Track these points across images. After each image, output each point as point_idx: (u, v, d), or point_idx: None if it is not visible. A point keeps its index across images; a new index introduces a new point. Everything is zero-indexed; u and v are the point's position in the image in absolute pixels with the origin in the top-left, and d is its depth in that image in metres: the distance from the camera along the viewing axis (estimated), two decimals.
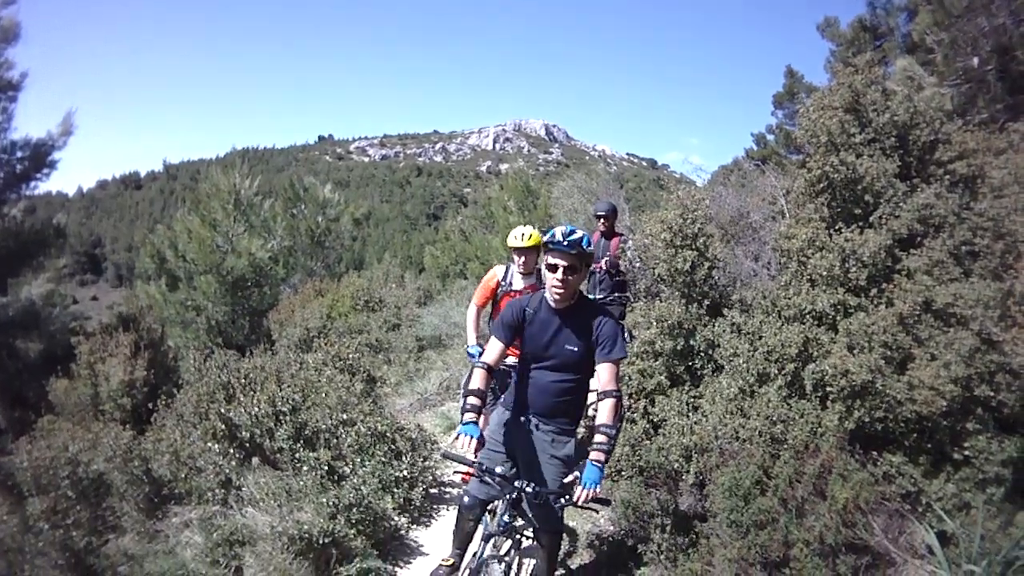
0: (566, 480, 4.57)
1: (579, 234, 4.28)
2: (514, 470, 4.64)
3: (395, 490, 7.16)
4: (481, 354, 4.63)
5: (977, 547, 4.89)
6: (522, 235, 6.74)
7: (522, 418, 4.67)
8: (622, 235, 8.65)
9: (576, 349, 4.43)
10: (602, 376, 4.36)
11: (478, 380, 4.38)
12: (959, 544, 5.05)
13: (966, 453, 5.46)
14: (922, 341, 5.61)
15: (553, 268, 4.32)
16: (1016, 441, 5.30)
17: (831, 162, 6.30)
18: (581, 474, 4.08)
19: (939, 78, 9.17)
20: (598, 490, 4.03)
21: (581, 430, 5.91)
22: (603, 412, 4.28)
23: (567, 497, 4.19)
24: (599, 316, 4.47)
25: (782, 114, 16.80)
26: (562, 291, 4.35)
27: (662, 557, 5.85)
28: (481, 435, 4.22)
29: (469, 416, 4.19)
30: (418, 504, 7.34)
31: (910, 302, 5.59)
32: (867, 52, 7.78)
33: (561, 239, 4.25)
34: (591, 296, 8.38)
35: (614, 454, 5.82)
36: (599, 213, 8.96)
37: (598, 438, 4.23)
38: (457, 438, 4.08)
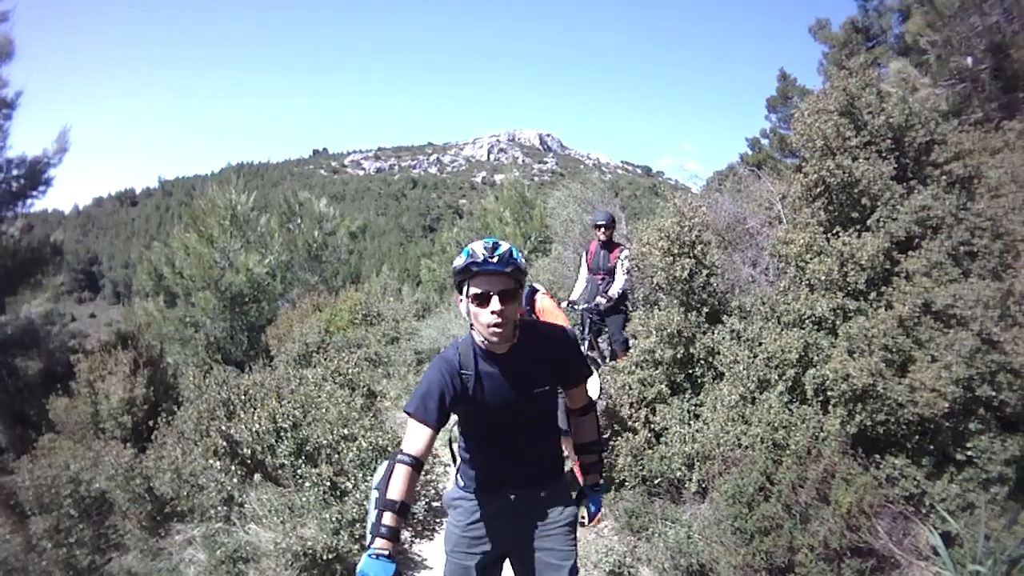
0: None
1: (505, 246, 3.37)
2: None
3: None
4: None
5: (982, 547, 5.31)
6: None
7: (501, 497, 3.74)
8: (621, 245, 8.77)
9: (543, 390, 3.59)
10: (573, 398, 3.76)
11: (400, 485, 3.29)
12: (963, 544, 5.60)
13: (969, 453, 5.97)
14: (922, 343, 6.27)
15: (483, 299, 3.32)
16: (1019, 440, 5.89)
17: (827, 166, 7.00)
18: (581, 505, 3.61)
19: (933, 79, 9.60)
20: (603, 512, 3.62)
21: None
22: (583, 429, 3.80)
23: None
24: (550, 336, 3.68)
25: (776, 118, 17.49)
26: (501, 329, 3.35)
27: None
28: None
29: (380, 546, 3.17)
30: (421, 517, 8.12)
31: (909, 304, 6.31)
32: (860, 54, 8.04)
33: (486, 255, 3.30)
34: (589, 305, 8.91)
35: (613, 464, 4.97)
36: (599, 223, 9.45)
37: (587, 458, 3.82)
38: None
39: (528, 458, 3.69)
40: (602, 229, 9.30)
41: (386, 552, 3.13)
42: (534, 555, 3.75)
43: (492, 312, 3.27)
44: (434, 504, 8.33)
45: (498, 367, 3.50)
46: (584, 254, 9.67)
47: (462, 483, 3.90)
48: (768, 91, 19.64)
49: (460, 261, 3.35)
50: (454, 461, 3.99)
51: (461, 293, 3.45)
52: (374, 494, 3.48)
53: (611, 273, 9.20)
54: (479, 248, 3.31)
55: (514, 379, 3.52)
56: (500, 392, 3.52)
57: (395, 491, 3.25)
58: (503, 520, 3.74)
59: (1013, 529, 5.39)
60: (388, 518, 3.21)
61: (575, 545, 3.79)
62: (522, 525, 3.74)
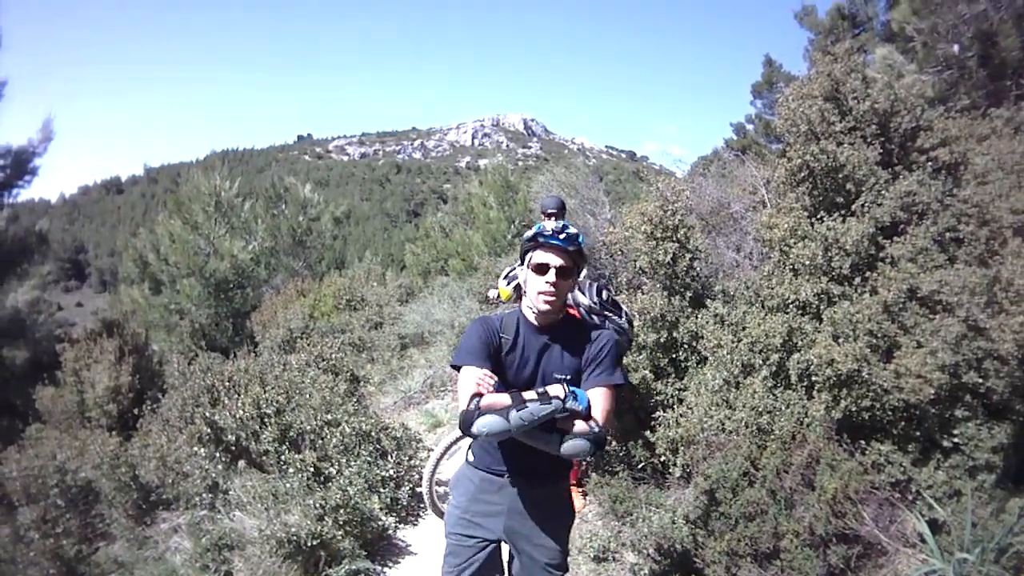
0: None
1: (574, 229, 3.63)
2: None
3: (381, 490, 7.82)
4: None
5: (969, 535, 5.23)
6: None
7: (507, 481, 3.83)
8: None
9: (566, 377, 3.59)
10: (594, 404, 3.51)
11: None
12: (951, 532, 5.46)
13: (955, 440, 5.84)
14: (908, 329, 6.14)
15: (542, 268, 3.59)
16: (1006, 427, 5.76)
17: (811, 151, 6.86)
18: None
19: (919, 66, 9.56)
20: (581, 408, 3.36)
21: None
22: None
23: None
24: (596, 331, 3.80)
25: (761, 104, 17.55)
26: (553, 298, 3.58)
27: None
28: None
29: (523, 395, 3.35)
30: (405, 503, 8.05)
31: (895, 290, 6.12)
32: (846, 41, 7.82)
33: (555, 232, 3.56)
34: None
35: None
36: (550, 210, 8.64)
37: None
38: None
39: (532, 450, 3.57)
40: (552, 216, 8.54)
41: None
42: (527, 549, 3.86)
43: (547, 282, 3.55)
44: (417, 489, 8.19)
45: (534, 341, 3.73)
46: None
47: (471, 458, 4.04)
48: (753, 77, 19.92)
49: (530, 233, 3.67)
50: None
51: (524, 263, 3.76)
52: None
53: None
54: (549, 225, 3.61)
55: (543, 358, 3.72)
56: (526, 365, 3.71)
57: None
58: (500, 505, 3.83)
59: (1001, 517, 5.28)
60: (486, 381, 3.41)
61: (566, 547, 3.97)
62: (518, 516, 3.83)
